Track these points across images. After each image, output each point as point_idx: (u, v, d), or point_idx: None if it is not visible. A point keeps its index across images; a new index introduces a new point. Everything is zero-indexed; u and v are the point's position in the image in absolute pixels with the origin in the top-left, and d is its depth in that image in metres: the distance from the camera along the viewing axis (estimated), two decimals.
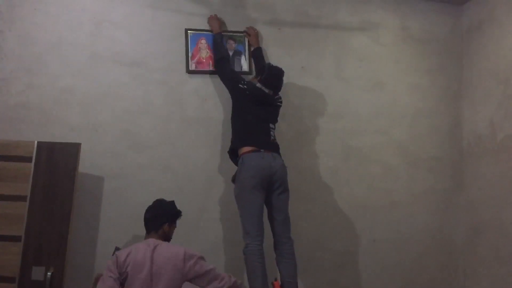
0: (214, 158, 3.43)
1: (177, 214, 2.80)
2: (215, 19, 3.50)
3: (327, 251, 3.51)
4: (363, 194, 3.63)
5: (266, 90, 3.17)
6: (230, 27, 3.60)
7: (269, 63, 3.32)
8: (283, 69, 3.25)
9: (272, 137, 3.15)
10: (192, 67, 3.50)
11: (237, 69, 3.54)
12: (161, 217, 2.72)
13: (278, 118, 3.28)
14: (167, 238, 2.72)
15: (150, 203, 2.81)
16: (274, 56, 3.42)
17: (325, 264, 3.49)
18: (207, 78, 3.51)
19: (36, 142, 2.93)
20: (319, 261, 3.48)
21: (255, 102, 3.14)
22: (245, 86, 3.18)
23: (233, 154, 3.15)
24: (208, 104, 3.48)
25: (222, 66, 3.36)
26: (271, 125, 3.18)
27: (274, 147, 3.12)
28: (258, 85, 3.17)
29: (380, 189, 3.66)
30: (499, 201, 3.35)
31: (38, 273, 2.78)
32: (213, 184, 3.41)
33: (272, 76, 3.20)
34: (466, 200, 3.71)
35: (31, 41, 3.30)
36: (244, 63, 3.58)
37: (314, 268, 3.45)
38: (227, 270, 3.30)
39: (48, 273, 2.76)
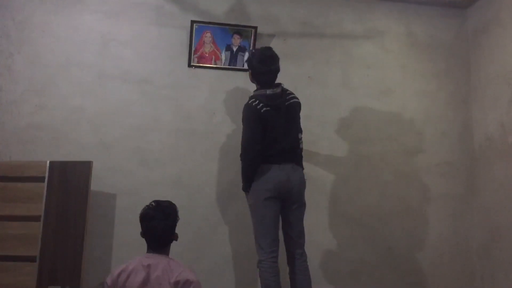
0: (225, 171, 3.43)
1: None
2: None
3: (342, 261, 3.48)
4: (375, 202, 3.61)
5: (278, 90, 2.92)
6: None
7: (248, 57, 3.13)
8: (290, 79, 3.23)
9: (296, 146, 2.92)
10: (194, 61, 3.51)
11: (239, 66, 3.52)
12: (173, 228, 2.33)
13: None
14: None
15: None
16: (280, 68, 3.41)
17: (340, 274, 3.46)
18: (213, 93, 3.52)
19: (48, 162, 2.96)
20: (334, 271, 3.46)
21: (276, 113, 2.86)
22: (261, 104, 2.84)
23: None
24: (216, 118, 3.50)
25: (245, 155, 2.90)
26: (299, 135, 2.96)
27: (295, 157, 2.91)
28: (269, 91, 2.90)
29: (393, 196, 3.64)
30: None
31: None
32: (224, 197, 3.41)
33: (264, 66, 2.92)
34: (480, 204, 3.67)
35: (40, 63, 3.35)
36: None
37: (329, 278, 3.42)
38: (240, 285, 3.30)
39: None
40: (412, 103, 3.80)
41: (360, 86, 3.75)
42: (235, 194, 3.37)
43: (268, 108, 2.84)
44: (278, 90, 2.94)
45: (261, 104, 2.84)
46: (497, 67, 3.57)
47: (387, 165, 3.67)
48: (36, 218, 2.88)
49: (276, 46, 3.59)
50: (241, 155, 2.90)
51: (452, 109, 3.84)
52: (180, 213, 3.20)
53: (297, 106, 3.01)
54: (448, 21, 3.96)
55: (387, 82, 3.80)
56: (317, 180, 3.51)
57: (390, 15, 3.88)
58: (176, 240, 2.37)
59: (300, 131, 3.01)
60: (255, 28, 3.57)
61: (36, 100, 3.30)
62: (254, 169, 2.84)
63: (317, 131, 3.59)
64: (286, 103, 2.94)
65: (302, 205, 2.92)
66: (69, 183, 2.95)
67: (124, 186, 3.30)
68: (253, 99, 2.89)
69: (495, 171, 3.53)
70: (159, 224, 2.27)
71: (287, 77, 3.35)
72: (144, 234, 2.32)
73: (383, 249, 3.55)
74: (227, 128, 3.49)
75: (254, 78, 3.02)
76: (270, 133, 2.84)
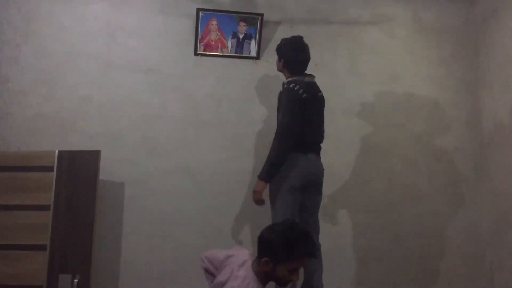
0: (232, 160, 3.44)
1: (290, 256, 1.92)
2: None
3: (350, 248, 3.48)
4: (384, 189, 3.59)
5: (313, 79, 2.95)
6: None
7: (279, 46, 3.01)
8: None
9: (322, 138, 2.99)
10: (201, 49, 3.50)
11: (245, 54, 3.51)
12: (269, 247, 1.96)
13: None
14: (263, 276, 1.97)
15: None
16: None
17: (348, 261, 3.47)
18: (220, 81, 3.52)
19: (57, 151, 2.98)
20: (342, 258, 3.46)
21: (312, 103, 2.86)
22: (301, 90, 2.79)
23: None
24: (223, 107, 3.49)
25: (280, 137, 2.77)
26: (323, 128, 3.01)
27: (319, 148, 2.97)
28: (307, 79, 2.89)
29: (401, 184, 3.62)
30: None
31: (64, 280, 2.82)
32: (233, 186, 3.41)
33: (301, 54, 2.94)
34: (490, 191, 3.64)
35: (47, 53, 3.36)
36: (254, 48, 3.53)
37: (337, 265, 3.42)
38: None
39: (75, 280, 2.80)
40: (420, 90, 3.76)
41: (368, 73, 3.72)
42: (244, 182, 3.38)
43: (307, 95, 2.83)
44: (314, 79, 2.97)
45: (301, 90, 2.81)
46: (507, 51, 3.52)
47: (395, 152, 3.65)
48: (45, 208, 2.90)
49: (283, 33, 3.59)
50: (275, 139, 2.78)
51: (460, 95, 3.80)
52: (188, 202, 3.21)
53: (323, 100, 3.04)
54: (456, 6, 3.90)
55: (395, 69, 3.76)
56: (325, 167, 3.48)
57: (397, 0, 3.84)
58: None
59: (323, 123, 3.04)
60: (261, 15, 3.55)
61: (44, 91, 3.32)
62: (286, 154, 2.75)
63: (324, 118, 3.57)
64: (318, 94, 2.97)
65: (321, 193, 2.96)
66: (78, 173, 2.96)
67: (132, 175, 3.31)
68: (294, 84, 2.83)
69: (505, 157, 3.49)
70: None
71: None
72: None
73: (392, 236, 3.54)
74: (234, 116, 3.49)
75: (286, 66, 2.96)
76: (305, 122, 2.81)
